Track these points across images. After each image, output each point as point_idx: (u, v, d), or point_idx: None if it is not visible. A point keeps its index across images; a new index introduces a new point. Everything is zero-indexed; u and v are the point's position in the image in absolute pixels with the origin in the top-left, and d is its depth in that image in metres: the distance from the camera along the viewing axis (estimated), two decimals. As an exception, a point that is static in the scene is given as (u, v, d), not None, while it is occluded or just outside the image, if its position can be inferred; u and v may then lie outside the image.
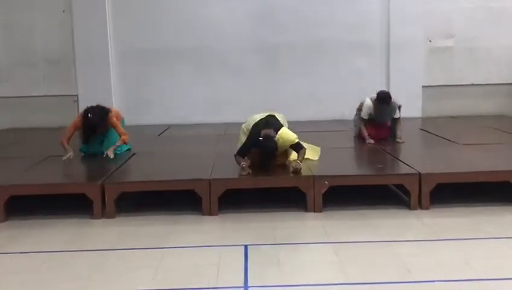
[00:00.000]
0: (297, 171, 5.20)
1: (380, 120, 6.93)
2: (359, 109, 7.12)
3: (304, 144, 5.61)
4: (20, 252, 4.25)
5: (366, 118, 6.91)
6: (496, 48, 9.79)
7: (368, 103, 6.89)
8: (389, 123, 7.01)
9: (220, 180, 5.10)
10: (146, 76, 9.53)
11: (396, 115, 6.90)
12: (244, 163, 5.23)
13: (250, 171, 5.19)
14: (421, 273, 3.63)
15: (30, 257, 4.15)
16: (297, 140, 5.44)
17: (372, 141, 6.78)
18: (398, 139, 6.86)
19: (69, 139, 6.30)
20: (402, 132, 6.92)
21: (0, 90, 9.76)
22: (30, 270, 3.87)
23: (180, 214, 5.04)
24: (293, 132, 5.49)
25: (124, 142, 6.49)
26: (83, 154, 6.43)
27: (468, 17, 9.72)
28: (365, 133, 6.88)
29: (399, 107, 6.94)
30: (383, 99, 6.73)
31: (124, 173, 5.70)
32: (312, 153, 5.82)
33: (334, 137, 7.70)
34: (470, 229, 4.52)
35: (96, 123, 6.18)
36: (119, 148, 6.43)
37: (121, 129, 6.48)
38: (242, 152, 5.42)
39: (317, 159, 5.78)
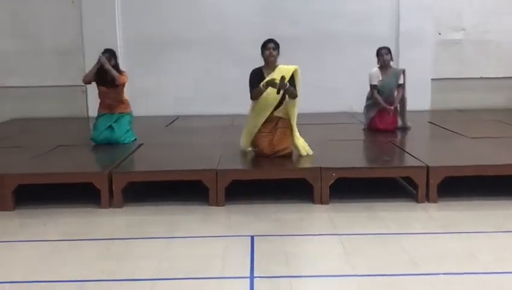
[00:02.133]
0: (281, 83, 5.32)
1: (387, 86, 6.99)
2: (369, 98, 7.14)
3: (300, 140, 5.63)
4: (27, 240, 4.28)
5: (376, 83, 7.01)
6: (506, 41, 9.71)
7: (374, 70, 7.06)
8: (395, 94, 7.08)
9: (226, 171, 5.10)
10: (154, 66, 9.53)
11: (401, 81, 7.05)
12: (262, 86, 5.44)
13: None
14: (428, 266, 3.62)
15: (37, 245, 4.18)
16: (297, 70, 5.54)
17: (391, 108, 6.97)
18: (407, 124, 7.12)
19: (92, 75, 6.54)
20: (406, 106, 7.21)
21: (9, 80, 9.79)
22: (37, 258, 3.89)
23: (187, 204, 5.05)
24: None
25: (123, 82, 6.53)
26: (93, 143, 6.51)
27: (478, 10, 9.64)
28: (380, 100, 6.99)
29: (403, 72, 7.13)
30: (382, 47, 7.01)
31: (131, 163, 5.71)
32: (303, 146, 5.67)
33: (342, 129, 7.69)
34: (477, 223, 4.51)
35: (110, 53, 6.50)
36: (128, 133, 6.58)
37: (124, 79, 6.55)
38: (252, 86, 5.58)
39: (303, 155, 5.63)
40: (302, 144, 5.65)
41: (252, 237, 4.17)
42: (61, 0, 9.64)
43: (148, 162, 5.85)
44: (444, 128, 7.44)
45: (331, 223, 4.54)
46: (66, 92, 9.80)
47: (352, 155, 6.06)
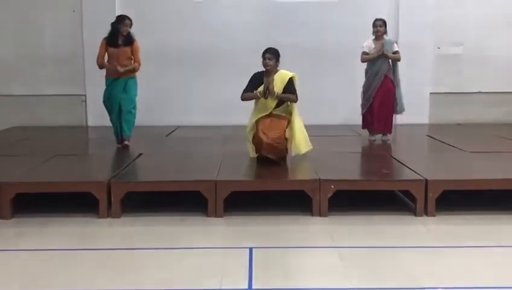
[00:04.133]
0: (269, 90, 5.66)
1: (380, 55, 7.22)
2: (364, 92, 7.42)
3: (302, 134, 5.83)
4: (25, 250, 4.27)
5: (367, 50, 7.33)
6: (505, 55, 9.75)
7: (368, 41, 7.39)
8: (390, 66, 7.35)
9: (226, 182, 5.10)
10: (154, 77, 9.54)
11: (395, 48, 7.31)
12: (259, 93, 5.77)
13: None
14: (426, 280, 3.61)
15: (35, 254, 4.17)
16: (294, 77, 5.79)
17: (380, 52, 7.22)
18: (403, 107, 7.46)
19: (103, 57, 7.02)
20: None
21: (9, 88, 9.80)
22: (35, 267, 3.88)
23: (186, 215, 5.04)
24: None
25: (135, 70, 7.07)
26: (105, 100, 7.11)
27: (477, 24, 9.69)
28: (371, 55, 7.27)
29: (396, 42, 7.51)
30: (378, 19, 7.37)
31: (130, 173, 5.71)
32: (304, 143, 5.89)
33: (342, 141, 7.70)
34: (475, 237, 4.51)
35: (124, 16, 7.05)
36: (132, 87, 7.11)
37: (139, 57, 7.08)
38: (247, 87, 5.87)
39: (304, 153, 5.91)
40: (298, 139, 5.83)
41: (251, 249, 4.16)
42: (63, 9, 9.68)
43: (147, 172, 5.85)
44: (443, 142, 7.46)
45: (329, 236, 4.54)
46: (66, 101, 9.81)
47: (351, 168, 6.07)
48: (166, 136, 8.38)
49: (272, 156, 5.69)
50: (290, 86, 5.78)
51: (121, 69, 6.85)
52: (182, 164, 6.07)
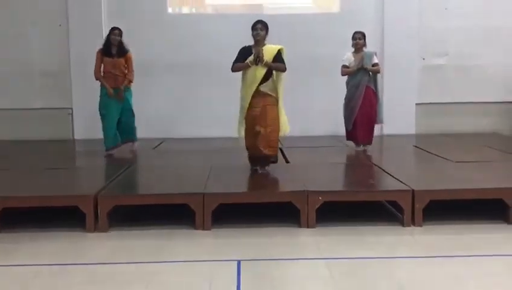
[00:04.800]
0: (260, 58, 5.79)
1: (360, 68, 7.38)
2: (346, 104, 7.58)
3: (285, 115, 6.00)
4: (11, 265, 4.22)
5: (347, 63, 7.51)
6: (490, 66, 9.87)
7: (347, 54, 7.56)
8: (371, 77, 7.49)
9: (213, 194, 5.10)
10: (141, 88, 9.51)
11: (375, 60, 7.45)
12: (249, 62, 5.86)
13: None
14: (414, 290, 3.63)
15: (21, 270, 4.12)
16: (282, 49, 5.94)
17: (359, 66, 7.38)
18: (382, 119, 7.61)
19: (99, 70, 7.37)
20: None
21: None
22: (21, 283, 3.84)
23: (174, 228, 5.02)
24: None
25: (130, 81, 7.55)
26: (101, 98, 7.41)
27: (462, 35, 9.81)
28: (351, 68, 7.46)
29: (375, 54, 7.59)
30: (357, 32, 7.53)
31: (118, 186, 5.68)
32: (287, 124, 6.05)
33: (328, 152, 7.73)
34: (462, 247, 4.53)
35: (114, 27, 7.44)
36: (129, 97, 7.59)
37: (132, 67, 7.55)
38: (237, 60, 5.99)
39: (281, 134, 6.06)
40: (283, 121, 6.00)
41: (239, 262, 4.15)
42: (49, 23, 9.67)
43: (134, 185, 5.83)
44: (429, 152, 7.51)
45: (317, 247, 4.54)
46: (53, 115, 9.77)
47: (339, 179, 6.10)
48: (154, 148, 8.37)
49: (267, 152, 5.90)
50: (278, 57, 5.95)
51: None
52: (170, 177, 6.06)
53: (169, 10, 10.07)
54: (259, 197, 5.27)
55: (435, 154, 7.24)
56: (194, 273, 3.99)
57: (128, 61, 7.48)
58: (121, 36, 7.41)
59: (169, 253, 4.43)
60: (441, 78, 9.91)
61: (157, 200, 5.18)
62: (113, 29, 7.44)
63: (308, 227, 4.99)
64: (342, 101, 7.75)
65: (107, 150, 7.39)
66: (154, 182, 5.85)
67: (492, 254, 4.35)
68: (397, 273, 3.92)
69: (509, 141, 9.05)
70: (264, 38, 5.99)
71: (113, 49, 7.38)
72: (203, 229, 4.95)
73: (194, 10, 10.39)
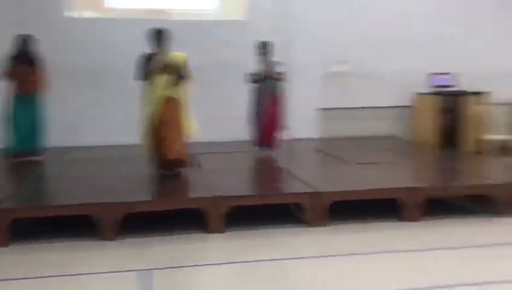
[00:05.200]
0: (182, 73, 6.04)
1: (265, 76, 7.66)
2: (252, 111, 7.81)
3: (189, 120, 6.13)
4: None
5: (253, 71, 7.75)
6: (386, 73, 10.36)
7: (253, 62, 7.79)
8: (275, 84, 7.72)
9: (118, 204, 4.99)
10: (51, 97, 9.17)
11: (279, 68, 7.71)
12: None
13: None
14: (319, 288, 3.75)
15: None
16: (186, 65, 6.16)
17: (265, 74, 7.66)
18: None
19: (10, 74, 7.31)
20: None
21: None
22: None
23: (78, 240, 4.86)
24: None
25: (41, 88, 7.49)
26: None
27: (362, 45, 10.24)
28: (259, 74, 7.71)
29: (280, 62, 7.83)
30: (259, 42, 7.83)
31: (18, 198, 5.42)
32: (192, 125, 6.20)
33: (238, 157, 7.81)
34: (364, 245, 4.75)
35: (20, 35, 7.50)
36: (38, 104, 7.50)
37: (43, 75, 7.48)
38: (143, 66, 6.12)
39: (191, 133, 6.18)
40: (190, 125, 6.15)
41: (149, 271, 4.11)
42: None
43: (37, 196, 5.60)
44: (331, 155, 7.79)
45: (225, 252, 4.58)
46: None
47: (247, 183, 6.18)
48: (63, 157, 8.03)
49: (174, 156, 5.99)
50: (185, 68, 6.12)
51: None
52: (75, 187, 5.85)
53: (70, 14, 9.74)
54: (164, 205, 5.21)
55: (337, 157, 7.51)
56: (100, 285, 3.90)
57: (38, 70, 7.48)
58: (29, 43, 7.47)
59: (72, 266, 4.28)
60: (343, 84, 10.30)
61: (58, 212, 4.96)
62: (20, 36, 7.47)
63: (216, 232, 5.01)
64: (249, 108, 7.88)
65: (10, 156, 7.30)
66: (57, 192, 5.66)
67: (394, 250, 4.59)
68: (298, 274, 4.06)
69: (406, 143, 9.57)
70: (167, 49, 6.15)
71: (23, 57, 7.40)
72: (109, 239, 4.82)
73: (96, 15, 10.12)
